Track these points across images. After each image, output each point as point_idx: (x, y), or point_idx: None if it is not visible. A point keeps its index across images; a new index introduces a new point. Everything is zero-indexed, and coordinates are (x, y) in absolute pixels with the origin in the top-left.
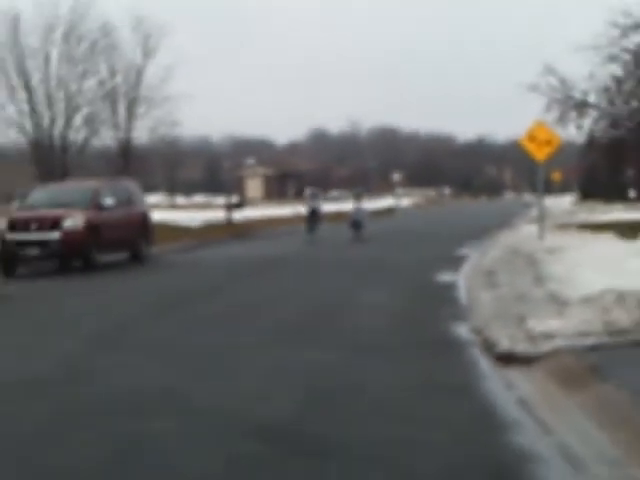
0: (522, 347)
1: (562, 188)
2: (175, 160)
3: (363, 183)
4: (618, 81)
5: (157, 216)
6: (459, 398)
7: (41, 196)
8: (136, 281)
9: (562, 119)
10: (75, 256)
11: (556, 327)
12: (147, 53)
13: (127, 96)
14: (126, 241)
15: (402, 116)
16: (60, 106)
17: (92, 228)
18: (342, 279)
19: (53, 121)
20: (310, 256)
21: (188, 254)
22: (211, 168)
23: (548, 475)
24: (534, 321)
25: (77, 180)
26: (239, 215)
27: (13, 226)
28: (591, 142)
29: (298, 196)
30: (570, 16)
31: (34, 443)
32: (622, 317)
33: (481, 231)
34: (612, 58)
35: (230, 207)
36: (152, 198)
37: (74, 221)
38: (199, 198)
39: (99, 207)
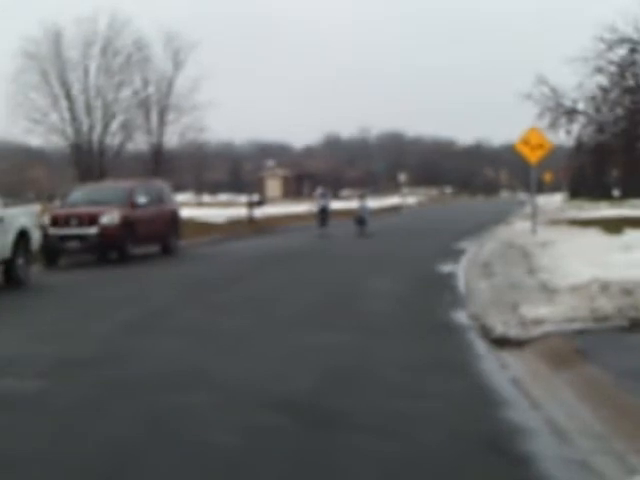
0: (515, 331)
1: (553, 188)
2: (202, 162)
3: (372, 183)
4: (604, 90)
5: (185, 213)
6: (458, 377)
7: (81, 195)
8: (166, 271)
9: (553, 125)
10: (111, 249)
11: (546, 313)
12: (177, 66)
13: (159, 104)
14: (157, 235)
15: (408, 122)
16: (98, 114)
17: (127, 224)
18: (351, 270)
19: (92, 127)
20: (322, 249)
21: (213, 247)
22: (234, 170)
23: (537, 446)
24: (526, 308)
25: (113, 180)
26: (260, 212)
27: (55, 222)
28: (579, 146)
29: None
30: (561, 31)
31: (76, 415)
32: (606, 304)
33: (479, 227)
34: (599, 70)
35: (251, 205)
36: (181, 197)
37: (111, 217)
38: (223, 197)
39: (133, 205)
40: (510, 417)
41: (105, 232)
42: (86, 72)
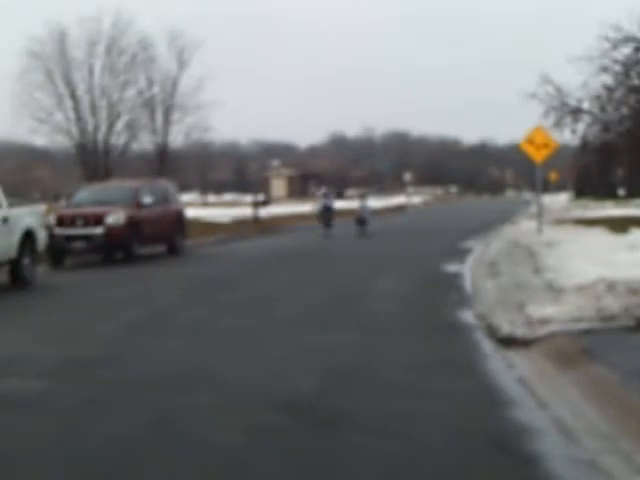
0: (521, 331)
1: (558, 187)
2: (207, 162)
3: (377, 183)
4: (609, 90)
5: (191, 213)
6: (464, 376)
7: (86, 195)
8: (172, 271)
9: (558, 124)
10: (117, 249)
11: (552, 313)
12: (181, 65)
13: (163, 104)
14: (163, 235)
15: (413, 122)
16: (103, 113)
17: (132, 224)
18: (357, 270)
19: (97, 127)
20: (327, 249)
21: (219, 247)
22: (239, 169)
23: (544, 445)
24: (532, 307)
25: (119, 180)
26: (265, 212)
27: (61, 222)
28: (585, 145)
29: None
30: (564, 30)
31: (81, 415)
32: (612, 304)
33: (484, 226)
34: (604, 69)
35: (257, 205)
36: (186, 197)
37: (116, 217)
38: (228, 197)
39: (139, 205)
40: (517, 417)
41: (111, 232)
42: (91, 72)
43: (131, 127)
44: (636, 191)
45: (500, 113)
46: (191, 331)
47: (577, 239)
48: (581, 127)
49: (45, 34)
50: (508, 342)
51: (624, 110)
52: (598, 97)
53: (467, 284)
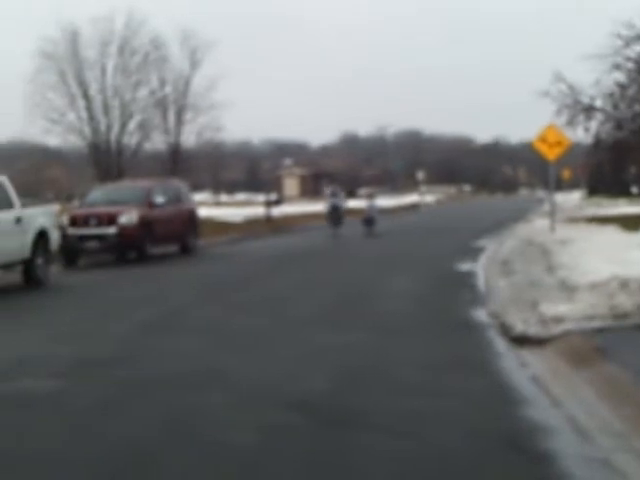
0: (535, 329)
1: (571, 185)
2: (219, 162)
3: (390, 182)
4: (622, 87)
5: (203, 212)
6: (477, 375)
7: (99, 195)
8: (185, 271)
9: (571, 122)
10: (130, 249)
11: (566, 311)
12: (194, 65)
13: (176, 104)
14: (176, 235)
15: (425, 120)
16: (115, 113)
17: (145, 223)
18: (369, 269)
19: (109, 127)
20: (340, 249)
21: (231, 247)
22: (252, 169)
23: (558, 444)
24: (546, 306)
25: (131, 180)
26: (277, 211)
27: (74, 222)
28: (597, 143)
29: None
30: (577, 28)
31: (94, 414)
32: (626, 302)
33: (498, 224)
34: (616, 66)
35: (269, 204)
36: (198, 196)
37: (129, 217)
38: (241, 196)
39: (151, 204)
40: (530, 415)
41: (124, 232)
42: (103, 72)
43: (144, 127)
44: None
45: (513, 111)
46: (204, 331)
47: (590, 237)
48: (594, 125)
49: (58, 34)
50: (521, 341)
51: (637, 107)
52: (611, 95)
53: (480, 282)
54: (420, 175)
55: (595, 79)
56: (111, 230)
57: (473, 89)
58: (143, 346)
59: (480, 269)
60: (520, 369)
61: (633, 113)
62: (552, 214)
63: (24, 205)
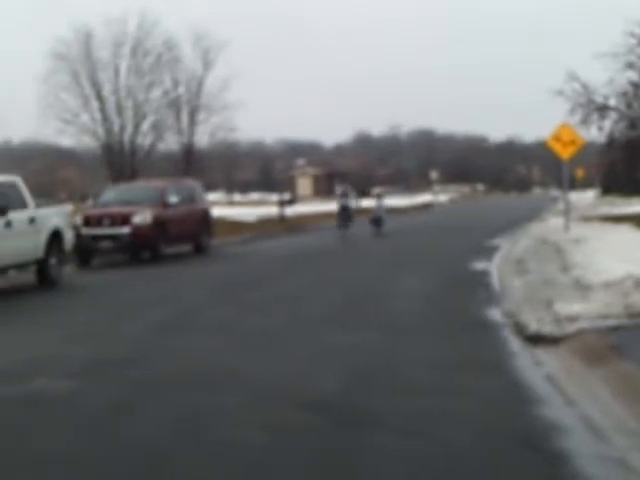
0: (549, 328)
1: (585, 184)
2: (232, 162)
3: (403, 181)
4: (635, 86)
5: (217, 212)
6: (492, 374)
7: (113, 195)
8: (198, 270)
9: (585, 121)
10: (144, 248)
11: (580, 310)
12: (207, 65)
13: (189, 104)
14: (189, 234)
15: (439, 119)
16: (129, 114)
17: (159, 223)
18: (382, 268)
19: (123, 127)
20: (351, 248)
21: (245, 246)
22: (265, 168)
23: (573, 443)
24: (560, 305)
25: (145, 180)
26: (290, 211)
27: (88, 222)
28: (611, 142)
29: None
30: (591, 27)
31: (108, 414)
32: None
33: (512, 223)
34: (630, 65)
35: (282, 204)
36: (212, 196)
37: (143, 217)
38: (254, 196)
39: (165, 204)
40: (545, 414)
41: (137, 232)
42: (116, 72)
43: (157, 127)
44: None
45: (527, 110)
46: (217, 331)
47: (604, 236)
48: (608, 124)
49: (71, 35)
50: (536, 340)
51: None
52: (624, 94)
53: (494, 282)
54: (433, 174)
55: (609, 78)
56: (125, 230)
57: (487, 88)
58: (156, 346)
59: (494, 268)
60: (534, 368)
61: None
62: (566, 213)
63: (38, 205)
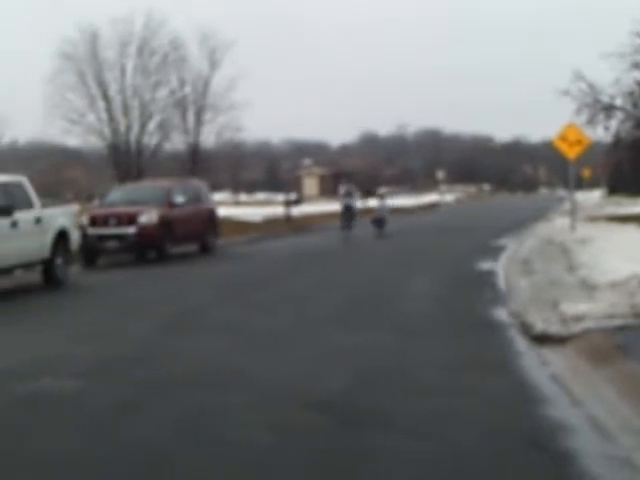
0: (555, 328)
1: (592, 184)
2: (239, 161)
3: (409, 181)
4: None
5: (223, 212)
6: (498, 374)
7: (119, 195)
8: (204, 270)
9: (591, 121)
10: (150, 248)
11: (586, 310)
12: (213, 65)
13: (195, 104)
14: (195, 234)
15: (445, 119)
16: (135, 114)
17: (165, 223)
18: (388, 269)
19: (129, 127)
20: (357, 249)
21: (251, 246)
22: (271, 168)
23: (579, 443)
24: (566, 305)
25: (151, 180)
26: (297, 211)
27: (94, 222)
28: (617, 142)
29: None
30: (597, 27)
31: (114, 414)
32: None
33: (518, 223)
34: (636, 65)
35: (288, 203)
36: (218, 196)
37: (149, 217)
38: (260, 196)
39: (171, 204)
40: (551, 414)
41: (143, 232)
42: (123, 72)
43: (163, 127)
44: None
45: (533, 110)
46: (223, 330)
47: (610, 236)
48: (614, 124)
49: (77, 35)
50: (542, 339)
51: None
52: (631, 93)
53: (500, 282)
54: (440, 174)
55: (615, 78)
56: (131, 230)
57: (493, 88)
58: (162, 346)
59: (500, 268)
60: (540, 368)
61: None
62: (572, 213)
63: (44, 205)
